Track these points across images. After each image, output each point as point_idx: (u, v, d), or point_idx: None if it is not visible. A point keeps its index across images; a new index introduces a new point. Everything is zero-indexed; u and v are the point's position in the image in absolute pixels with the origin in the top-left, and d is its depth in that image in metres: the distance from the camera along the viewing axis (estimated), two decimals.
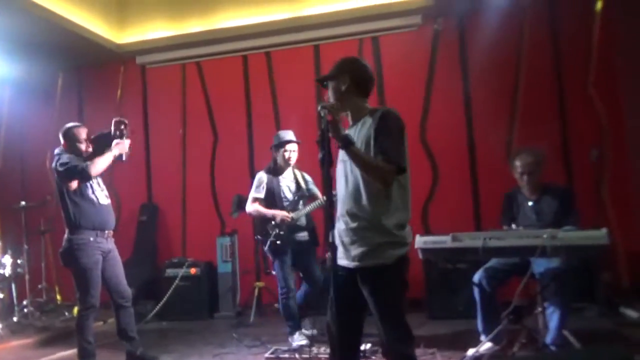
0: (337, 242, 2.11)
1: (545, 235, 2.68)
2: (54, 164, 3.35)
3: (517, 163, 3.45)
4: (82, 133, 3.46)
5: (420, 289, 4.75)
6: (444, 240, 2.95)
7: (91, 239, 3.32)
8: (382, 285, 2.07)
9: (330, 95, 2.17)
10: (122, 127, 3.42)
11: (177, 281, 5.18)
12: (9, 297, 5.41)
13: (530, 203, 3.44)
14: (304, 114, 5.66)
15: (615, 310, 4.31)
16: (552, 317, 2.98)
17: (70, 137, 3.44)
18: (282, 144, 4.05)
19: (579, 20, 5.08)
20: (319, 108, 1.99)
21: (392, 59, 5.55)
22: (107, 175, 3.94)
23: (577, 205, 3.55)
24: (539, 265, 3.01)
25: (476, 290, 3.21)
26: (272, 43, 5.79)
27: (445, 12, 5.30)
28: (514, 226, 3.31)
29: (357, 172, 2.12)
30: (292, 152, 4.05)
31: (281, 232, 3.90)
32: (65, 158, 3.32)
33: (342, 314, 1.97)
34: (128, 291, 3.54)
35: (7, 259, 5.24)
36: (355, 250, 2.08)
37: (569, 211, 3.32)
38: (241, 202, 5.11)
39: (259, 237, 4.07)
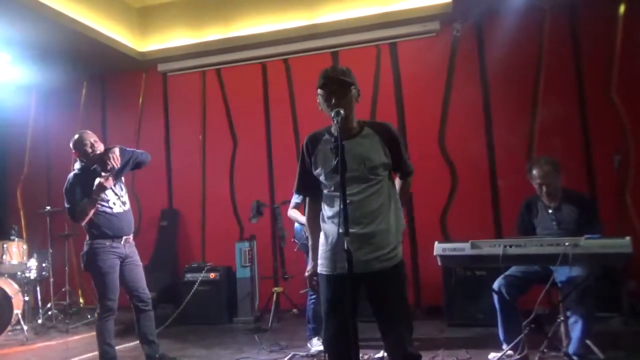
0: (337, 248, 2.10)
1: (566, 244, 2.65)
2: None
3: (535, 173, 3.40)
4: (86, 137, 3.47)
5: (439, 295, 4.72)
6: (463, 248, 2.94)
7: (107, 243, 3.39)
8: (399, 285, 2.12)
9: (340, 103, 2.06)
10: (109, 159, 3.36)
11: (196, 286, 5.23)
12: (34, 300, 5.55)
13: (550, 211, 3.39)
14: (323, 121, 5.66)
15: None
16: (575, 326, 2.93)
17: (76, 145, 3.47)
18: None
19: (600, 24, 5.00)
20: (335, 115, 1.97)
21: (410, 66, 5.55)
22: (128, 181, 4.01)
23: (599, 213, 3.49)
24: (561, 274, 2.96)
25: (496, 298, 3.18)
26: (290, 50, 5.84)
27: (464, 18, 5.28)
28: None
29: None
30: None
31: None
32: (67, 193, 3.40)
33: (352, 321, 1.95)
34: (147, 295, 3.59)
35: (33, 263, 5.38)
36: (370, 255, 2.08)
37: (592, 220, 3.26)
38: (260, 208, 5.19)
39: (295, 240, 4.16)
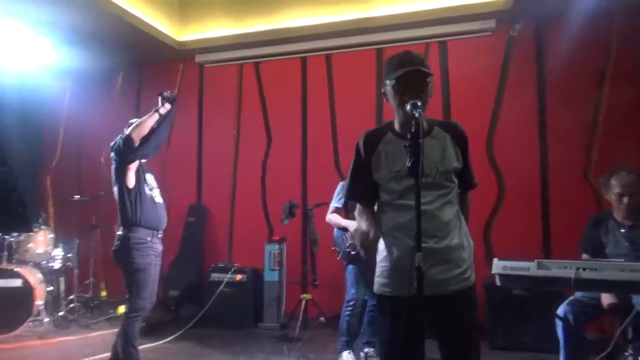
0: (405, 266, 1.79)
1: None
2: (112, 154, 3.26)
3: (615, 182, 3.06)
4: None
5: (481, 315, 4.37)
6: (527, 267, 2.59)
7: (148, 238, 3.18)
8: (473, 310, 1.85)
9: (418, 96, 1.77)
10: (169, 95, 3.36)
11: (221, 287, 5.02)
12: (57, 291, 5.44)
13: (623, 230, 3.03)
14: (364, 121, 5.41)
15: None
16: None
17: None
18: None
19: None
20: (413, 108, 1.66)
21: (461, 66, 5.22)
22: (158, 173, 3.83)
23: None
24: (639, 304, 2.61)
25: (560, 325, 2.83)
26: (334, 45, 5.60)
27: (523, 17, 4.93)
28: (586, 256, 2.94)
29: None
30: None
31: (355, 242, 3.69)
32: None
33: (421, 351, 1.65)
34: (154, 301, 3.35)
35: (58, 252, 5.27)
36: (445, 274, 1.80)
37: None
38: (292, 209, 4.94)
39: (336, 248, 3.88)
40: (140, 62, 6.33)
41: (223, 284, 5.03)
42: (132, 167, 3.23)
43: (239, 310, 5.04)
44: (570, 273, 2.49)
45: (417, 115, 1.64)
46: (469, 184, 2.01)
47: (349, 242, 3.73)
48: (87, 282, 5.42)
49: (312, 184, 5.64)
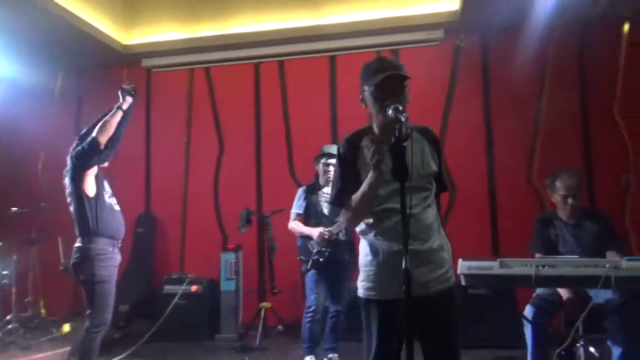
0: (391, 268, 1.83)
1: (607, 265, 2.47)
2: (71, 161, 3.06)
3: (559, 184, 3.25)
4: None
5: None
6: (491, 266, 2.71)
7: (109, 249, 3.04)
8: (456, 309, 1.90)
9: (398, 100, 1.79)
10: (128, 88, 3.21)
11: (176, 299, 4.84)
12: None
13: (569, 228, 3.24)
14: (318, 128, 5.46)
15: None
16: (614, 353, 2.76)
17: None
18: (323, 155, 3.90)
19: (606, 43, 4.97)
20: (397, 113, 1.68)
21: (411, 74, 5.34)
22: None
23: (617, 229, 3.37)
24: (597, 297, 2.79)
25: (529, 327, 2.94)
26: (286, 52, 5.60)
27: (470, 29, 5.17)
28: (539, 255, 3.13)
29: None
30: (332, 165, 3.84)
31: (323, 249, 3.69)
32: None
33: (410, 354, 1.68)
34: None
35: None
36: (429, 275, 1.85)
37: (612, 236, 3.16)
38: (250, 216, 4.87)
39: (302, 257, 3.82)
40: (82, 66, 5.99)
41: (177, 296, 4.85)
42: (91, 173, 3.08)
43: (195, 323, 4.89)
44: (531, 271, 2.64)
45: (402, 119, 1.67)
46: (443, 187, 2.07)
47: (316, 250, 3.72)
48: (26, 300, 5.04)
49: (267, 191, 5.58)
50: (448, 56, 5.32)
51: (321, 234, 3.68)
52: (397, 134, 1.68)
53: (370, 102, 1.91)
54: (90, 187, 3.04)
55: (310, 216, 3.88)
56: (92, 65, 5.96)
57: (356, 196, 1.85)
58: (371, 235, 1.90)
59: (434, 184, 1.96)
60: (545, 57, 5.10)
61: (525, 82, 5.09)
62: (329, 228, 3.70)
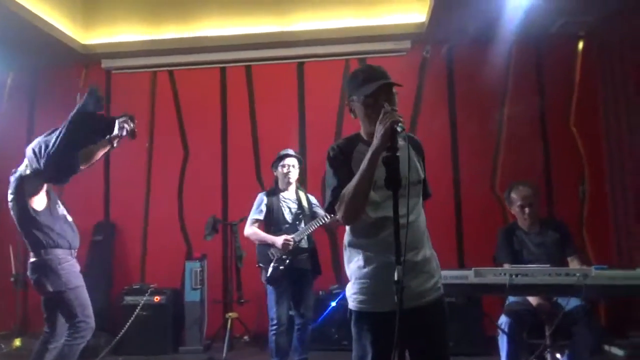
0: (386, 280, 1.81)
1: (577, 274, 2.57)
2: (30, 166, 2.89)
3: (515, 196, 3.38)
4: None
5: None
6: (466, 275, 2.78)
7: (69, 257, 2.96)
8: (445, 317, 1.90)
9: (390, 108, 1.77)
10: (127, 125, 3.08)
11: (137, 310, 4.66)
12: None
13: (531, 236, 3.37)
14: (285, 134, 5.43)
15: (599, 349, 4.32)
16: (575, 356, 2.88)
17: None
18: (280, 158, 3.81)
19: (563, 59, 5.23)
20: (394, 124, 1.67)
21: None
22: (57, 187, 3.48)
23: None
24: (565, 304, 2.90)
25: (504, 338, 2.98)
26: (254, 57, 5.54)
27: (436, 40, 5.29)
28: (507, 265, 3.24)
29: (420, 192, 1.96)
30: (291, 166, 3.79)
31: (284, 257, 3.61)
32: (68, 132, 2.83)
33: None
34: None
35: None
36: (425, 285, 1.86)
37: (571, 244, 3.32)
38: (216, 224, 4.78)
39: (260, 264, 3.73)
40: (35, 65, 5.69)
41: (139, 307, 4.68)
42: (45, 187, 2.93)
43: (158, 335, 4.72)
44: (504, 279, 2.72)
45: (399, 129, 1.68)
46: (427, 194, 2.09)
47: (276, 258, 3.65)
48: None
49: (234, 198, 5.49)
50: (415, 67, 5.42)
51: (285, 243, 3.61)
52: (391, 144, 1.69)
53: (360, 111, 1.91)
54: (41, 200, 2.94)
55: (271, 223, 3.77)
56: (47, 65, 5.67)
57: (353, 181, 1.77)
58: (366, 245, 1.88)
59: (421, 192, 1.99)
60: (507, 70, 5.29)
61: (488, 94, 5.27)
62: (292, 235, 3.66)
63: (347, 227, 1.97)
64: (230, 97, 5.66)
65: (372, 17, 5.24)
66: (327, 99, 5.43)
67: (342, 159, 1.91)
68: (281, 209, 3.77)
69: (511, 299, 3.15)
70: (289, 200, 3.82)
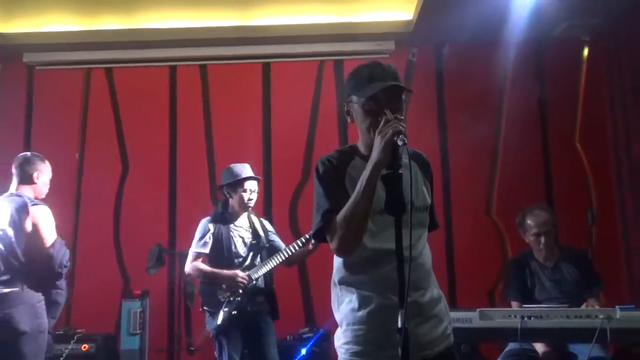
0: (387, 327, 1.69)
1: (601, 316, 2.53)
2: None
3: (531, 222, 3.38)
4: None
5: None
6: (470, 318, 2.71)
7: None
8: None
9: (393, 116, 1.65)
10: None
11: None
12: None
13: (547, 272, 3.34)
14: (247, 145, 5.30)
15: None
16: None
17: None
18: (241, 182, 3.61)
19: (566, 67, 5.34)
20: (395, 136, 1.56)
21: None
22: None
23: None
24: (581, 353, 2.85)
25: None
26: (211, 55, 5.46)
27: (424, 41, 5.32)
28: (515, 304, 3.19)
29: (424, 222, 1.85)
30: (252, 192, 3.65)
31: (238, 299, 3.42)
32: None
33: None
34: None
35: None
36: (434, 331, 1.77)
37: (592, 278, 3.31)
38: (162, 254, 4.61)
39: (205, 308, 3.54)
40: None
41: (63, 358, 4.39)
42: None
43: None
44: (515, 323, 2.66)
45: (400, 143, 1.57)
46: (434, 224, 2.00)
47: (227, 301, 3.47)
48: None
49: (183, 222, 5.27)
50: (399, 70, 5.39)
51: (240, 280, 3.44)
52: (393, 159, 1.60)
53: (359, 116, 1.80)
54: None
55: (219, 257, 3.59)
56: None
57: (350, 202, 1.65)
58: (361, 282, 1.76)
59: (428, 220, 1.89)
60: (504, 78, 5.35)
61: (482, 104, 5.31)
62: (247, 272, 3.51)
63: (337, 261, 1.84)
64: (180, 101, 5.52)
65: (351, 14, 5.18)
66: (297, 106, 5.37)
67: (334, 176, 1.79)
68: (232, 240, 3.61)
69: (511, 344, 3.09)
70: (240, 228, 3.68)
